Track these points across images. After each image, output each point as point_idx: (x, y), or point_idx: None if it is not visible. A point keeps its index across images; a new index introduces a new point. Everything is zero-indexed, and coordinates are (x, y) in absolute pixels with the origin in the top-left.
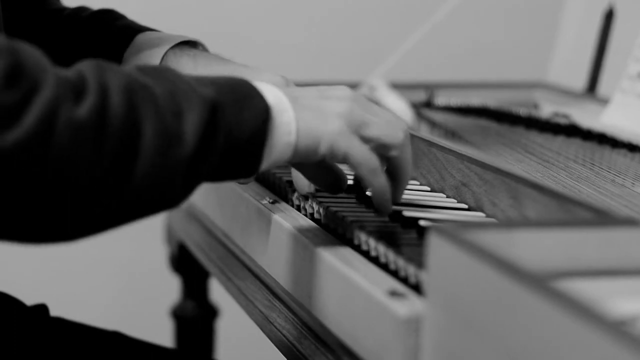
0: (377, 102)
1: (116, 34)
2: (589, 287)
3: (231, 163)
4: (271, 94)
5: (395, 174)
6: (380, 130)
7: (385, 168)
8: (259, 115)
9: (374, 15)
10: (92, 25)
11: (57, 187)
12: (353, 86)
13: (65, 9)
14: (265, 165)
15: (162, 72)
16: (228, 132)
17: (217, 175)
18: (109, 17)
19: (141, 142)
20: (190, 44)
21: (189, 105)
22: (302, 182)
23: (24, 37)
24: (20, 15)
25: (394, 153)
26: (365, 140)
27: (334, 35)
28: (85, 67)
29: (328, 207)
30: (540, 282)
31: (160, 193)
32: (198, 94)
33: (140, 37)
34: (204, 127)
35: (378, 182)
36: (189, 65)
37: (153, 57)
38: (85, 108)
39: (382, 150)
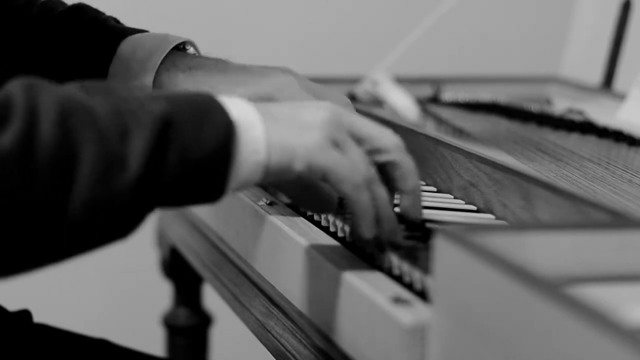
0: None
1: (98, 41)
2: (605, 293)
3: (190, 186)
4: (237, 108)
5: (396, 184)
6: (372, 130)
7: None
8: (221, 131)
9: (377, 6)
10: (68, 29)
11: None
12: (355, 81)
13: (32, 2)
14: (233, 187)
15: (110, 90)
16: (183, 151)
17: (175, 199)
18: (84, 17)
19: (77, 169)
20: (179, 47)
21: (136, 123)
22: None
23: None
24: None
25: (388, 157)
26: (356, 140)
27: (335, 27)
28: (15, 89)
29: None
30: (553, 288)
31: (104, 224)
32: (147, 111)
33: (124, 48)
34: (151, 146)
35: (362, 200)
36: (187, 83)
37: (145, 76)
38: (8, 137)
39: (374, 155)
